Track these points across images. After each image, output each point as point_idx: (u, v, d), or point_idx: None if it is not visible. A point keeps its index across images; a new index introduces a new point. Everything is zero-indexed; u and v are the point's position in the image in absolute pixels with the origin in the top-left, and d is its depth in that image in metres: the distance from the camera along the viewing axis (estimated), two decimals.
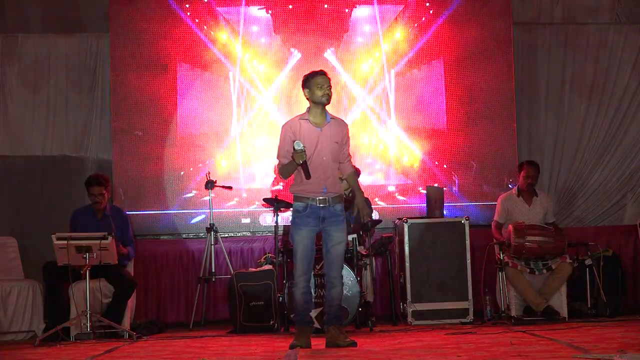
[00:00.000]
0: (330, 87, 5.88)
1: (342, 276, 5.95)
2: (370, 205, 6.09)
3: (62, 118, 9.01)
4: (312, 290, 6.84)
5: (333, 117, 5.98)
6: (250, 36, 8.91)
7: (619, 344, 5.31)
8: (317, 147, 5.84)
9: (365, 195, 8.13)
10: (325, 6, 8.93)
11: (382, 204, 8.70)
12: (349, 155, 6.06)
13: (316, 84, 5.85)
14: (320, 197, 5.83)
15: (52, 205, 8.71)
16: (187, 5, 8.86)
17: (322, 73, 5.92)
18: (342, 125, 6.00)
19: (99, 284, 6.99)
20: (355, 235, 7.23)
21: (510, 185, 8.64)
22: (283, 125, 6.01)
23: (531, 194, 7.82)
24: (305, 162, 5.75)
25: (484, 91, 9.00)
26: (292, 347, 5.72)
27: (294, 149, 5.70)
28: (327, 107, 5.96)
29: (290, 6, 8.90)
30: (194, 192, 8.68)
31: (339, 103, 8.84)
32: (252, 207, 8.75)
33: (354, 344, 5.73)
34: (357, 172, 7.99)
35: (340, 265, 5.91)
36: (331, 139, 5.87)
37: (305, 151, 5.71)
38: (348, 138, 6.01)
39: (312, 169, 5.80)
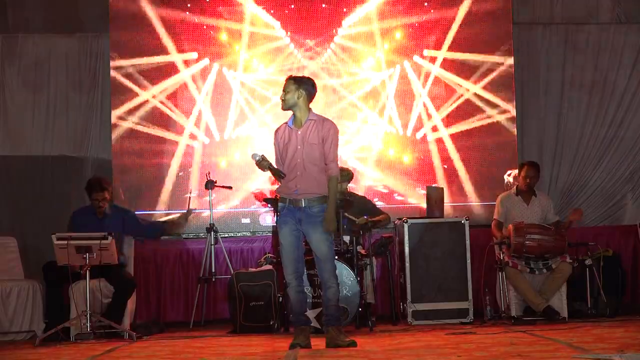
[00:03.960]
0: (285, 92, 5.87)
1: (335, 276, 5.92)
2: (338, 221, 5.87)
3: (62, 118, 9.01)
4: (312, 290, 6.89)
5: (316, 118, 5.93)
6: (251, 36, 8.91)
7: (619, 344, 5.31)
8: (292, 149, 5.88)
9: (363, 195, 8.17)
10: (323, 5, 8.93)
11: (382, 203, 8.69)
12: (333, 156, 5.88)
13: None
14: (293, 199, 5.86)
15: (52, 205, 8.71)
16: (188, 5, 8.85)
17: (287, 78, 5.98)
18: (325, 125, 5.90)
19: (99, 284, 6.99)
20: (349, 237, 7.24)
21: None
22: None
23: (530, 194, 7.82)
24: (272, 168, 5.87)
25: (483, 91, 9.00)
26: (292, 346, 5.72)
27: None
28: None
29: (292, 6, 8.90)
30: (196, 192, 8.67)
31: (340, 102, 8.86)
32: (253, 207, 8.76)
33: (354, 344, 5.73)
34: (350, 176, 7.99)
35: (329, 266, 5.87)
36: (308, 141, 5.86)
37: (263, 159, 5.84)
38: (331, 137, 5.87)
39: (288, 171, 5.88)
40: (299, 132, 5.89)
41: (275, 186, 6.82)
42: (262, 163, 5.86)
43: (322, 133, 5.87)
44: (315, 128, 5.88)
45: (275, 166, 5.95)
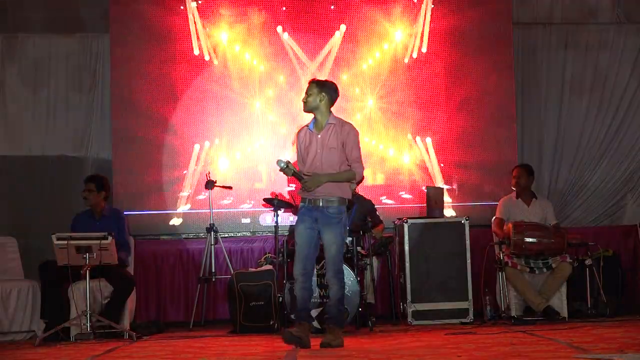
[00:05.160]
0: (308, 94, 6.00)
1: (338, 278, 5.96)
2: (317, 183, 5.89)
3: (62, 118, 9.01)
4: (313, 290, 6.89)
5: (336, 122, 6.04)
6: (251, 37, 8.90)
7: (619, 344, 5.32)
8: (312, 153, 6.00)
9: (368, 198, 8.17)
10: (318, 5, 8.95)
11: (384, 203, 8.69)
12: (356, 157, 5.99)
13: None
14: (312, 199, 5.97)
15: (52, 205, 8.71)
16: (188, 5, 8.85)
17: (310, 81, 6.10)
18: (344, 129, 6.03)
19: (99, 284, 7.00)
20: (351, 238, 7.23)
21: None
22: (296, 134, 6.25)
23: (530, 196, 7.85)
24: (296, 174, 5.97)
25: (484, 91, 9.00)
26: (290, 337, 5.74)
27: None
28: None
29: (286, 6, 8.90)
30: (204, 194, 8.64)
31: (340, 103, 8.86)
32: (252, 206, 8.75)
33: (340, 346, 5.76)
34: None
35: (334, 267, 5.95)
36: (327, 144, 5.98)
37: (287, 166, 5.92)
38: (352, 141, 6.00)
39: (309, 172, 5.98)
40: (319, 136, 6.00)
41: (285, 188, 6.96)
42: (286, 170, 5.96)
43: (342, 137, 5.99)
44: (334, 131, 6.00)
45: (297, 167, 6.06)
